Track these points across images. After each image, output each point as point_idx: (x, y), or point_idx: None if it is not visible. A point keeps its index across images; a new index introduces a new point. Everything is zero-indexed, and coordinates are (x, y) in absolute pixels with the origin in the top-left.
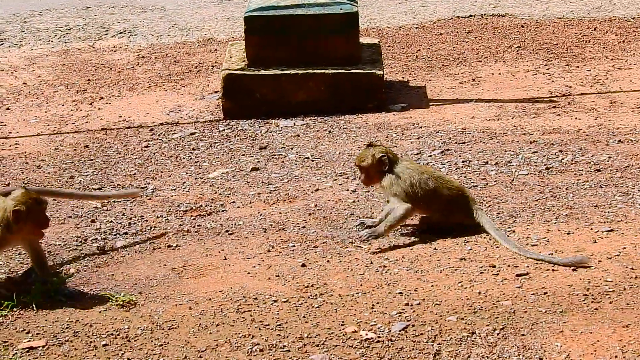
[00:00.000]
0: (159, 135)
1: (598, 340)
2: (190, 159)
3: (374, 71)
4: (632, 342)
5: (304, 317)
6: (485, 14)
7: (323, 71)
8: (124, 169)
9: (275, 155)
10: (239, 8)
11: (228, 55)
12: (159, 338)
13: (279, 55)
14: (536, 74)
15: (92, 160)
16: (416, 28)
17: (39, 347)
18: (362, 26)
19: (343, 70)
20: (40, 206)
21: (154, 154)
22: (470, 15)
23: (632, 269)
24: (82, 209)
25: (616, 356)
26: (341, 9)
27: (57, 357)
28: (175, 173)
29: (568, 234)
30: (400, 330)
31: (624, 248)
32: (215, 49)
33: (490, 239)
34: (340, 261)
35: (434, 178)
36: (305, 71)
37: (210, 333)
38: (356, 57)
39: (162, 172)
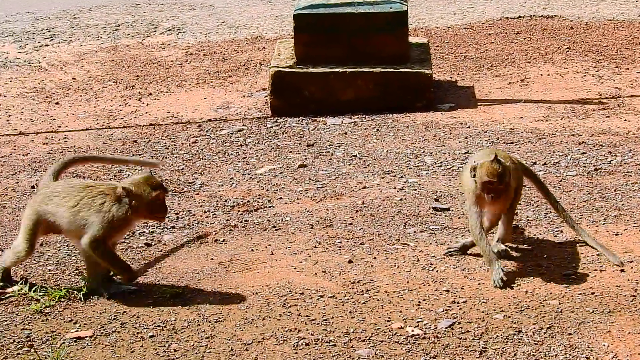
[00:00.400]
0: (206, 131)
1: None
2: (238, 155)
3: (422, 70)
4: None
5: (350, 312)
6: (534, 15)
7: (372, 70)
8: (172, 164)
9: (322, 152)
10: (287, 6)
11: (277, 52)
12: (205, 330)
13: (328, 53)
14: (585, 76)
15: (140, 155)
16: (465, 28)
17: (87, 337)
18: (411, 26)
19: (392, 69)
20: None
21: (202, 149)
22: (520, 16)
23: None
24: None
25: None
26: (391, 8)
27: (104, 348)
28: (222, 169)
29: (616, 234)
30: (446, 327)
31: None
32: (264, 47)
33: (538, 239)
34: (387, 258)
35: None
36: (353, 69)
37: (257, 326)
38: (405, 56)
39: (209, 167)
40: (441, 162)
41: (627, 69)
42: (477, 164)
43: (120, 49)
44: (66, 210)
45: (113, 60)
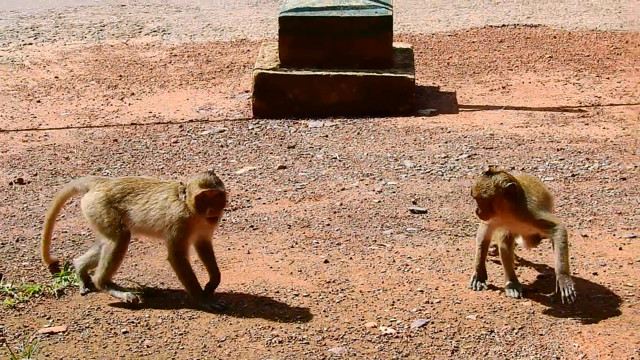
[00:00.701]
0: (188, 131)
1: (615, 342)
2: (218, 155)
3: (405, 75)
4: None
5: (324, 311)
6: (518, 24)
7: (355, 73)
8: (152, 163)
9: (303, 154)
10: (273, 10)
11: (261, 55)
12: (179, 327)
13: (312, 56)
14: (566, 84)
15: (120, 153)
16: (449, 36)
17: (59, 332)
18: (396, 32)
19: (375, 74)
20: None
21: (183, 149)
22: (504, 25)
23: None
24: None
25: (633, 357)
26: (376, 12)
27: (77, 343)
28: (203, 168)
29: (590, 239)
30: (419, 327)
31: None
32: (248, 50)
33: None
34: (363, 259)
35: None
36: (337, 73)
37: (230, 324)
38: (389, 61)
39: (189, 167)
40: (420, 166)
41: (608, 78)
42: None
43: (104, 49)
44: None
45: (97, 60)
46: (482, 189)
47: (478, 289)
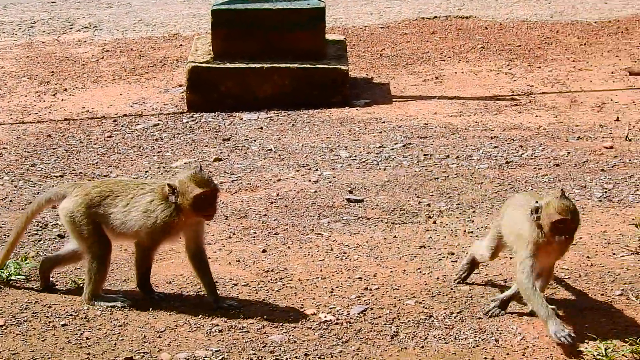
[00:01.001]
0: (122, 126)
1: None
2: (153, 149)
3: (338, 66)
4: (587, 326)
5: (263, 300)
6: (449, 16)
7: (288, 65)
8: (87, 158)
9: (238, 146)
10: (205, 5)
11: (194, 48)
12: (118, 319)
13: (245, 49)
14: (498, 74)
15: (54, 149)
16: (381, 28)
17: None
18: (328, 25)
19: (308, 65)
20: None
21: (117, 143)
22: (435, 17)
23: (587, 257)
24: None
25: None
26: (308, 4)
27: (16, 337)
28: (137, 162)
29: None
30: (358, 313)
31: (581, 238)
32: (181, 44)
33: (450, 229)
34: (301, 247)
35: None
36: (270, 65)
37: (170, 314)
38: (322, 53)
39: (124, 161)
40: (356, 156)
41: (539, 67)
42: (540, 204)
43: (35, 45)
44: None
45: (28, 56)
46: (577, 214)
47: (572, 335)
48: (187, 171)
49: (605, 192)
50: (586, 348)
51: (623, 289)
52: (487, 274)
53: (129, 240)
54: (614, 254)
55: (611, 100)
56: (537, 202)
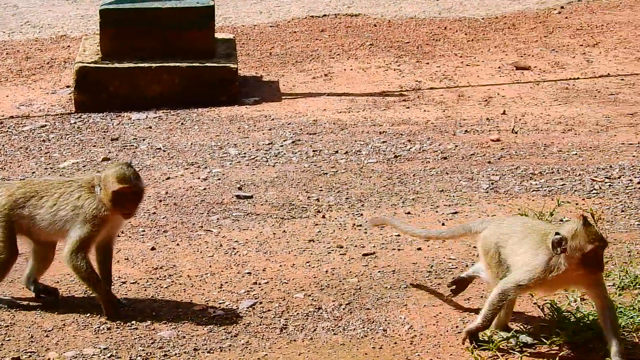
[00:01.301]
0: (8, 128)
1: (440, 313)
2: (40, 150)
3: (228, 65)
4: (472, 313)
5: (152, 297)
6: (338, 14)
7: (177, 64)
8: None
9: (126, 146)
10: (92, 6)
11: (82, 49)
12: (4, 319)
13: (134, 48)
14: (387, 70)
15: None
16: (271, 27)
17: None
18: (218, 24)
19: (197, 64)
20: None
21: (3, 145)
22: (325, 15)
23: (474, 247)
24: None
25: (457, 325)
26: (197, 3)
27: None
28: (24, 163)
29: (414, 216)
30: (247, 308)
31: None
32: (69, 46)
33: (339, 223)
34: (190, 244)
35: None
36: (159, 64)
37: (58, 314)
38: (211, 51)
39: (11, 162)
40: (245, 153)
41: (428, 63)
42: (564, 235)
43: None
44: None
45: None
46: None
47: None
48: (114, 166)
49: (492, 183)
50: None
51: None
52: (375, 266)
53: (56, 239)
54: None
55: (498, 94)
56: (557, 233)
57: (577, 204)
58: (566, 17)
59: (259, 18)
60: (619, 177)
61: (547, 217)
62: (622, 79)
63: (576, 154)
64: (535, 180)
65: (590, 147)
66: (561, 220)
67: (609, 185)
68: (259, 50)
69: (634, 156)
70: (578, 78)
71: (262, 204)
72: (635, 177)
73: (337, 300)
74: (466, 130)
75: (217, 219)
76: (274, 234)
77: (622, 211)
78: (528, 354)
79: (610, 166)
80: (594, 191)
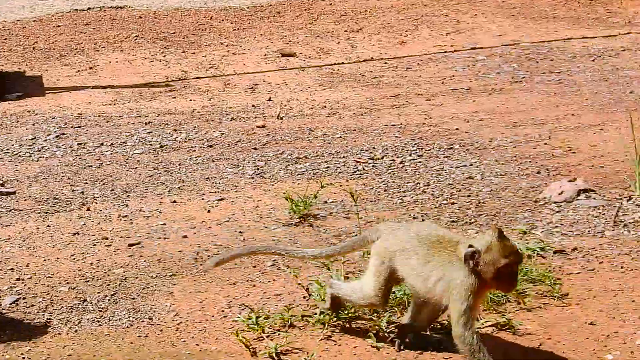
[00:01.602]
0: None
1: (207, 298)
2: None
3: None
4: (238, 297)
5: None
6: (103, 7)
7: None
8: None
9: None
10: None
11: None
12: None
13: None
14: (153, 61)
15: None
16: (34, 21)
17: None
18: None
19: None
20: None
21: None
22: (89, 8)
23: (240, 232)
24: None
25: (223, 310)
26: None
27: None
28: None
29: (179, 204)
30: (11, 304)
31: (233, 214)
32: None
33: (104, 214)
34: None
35: None
36: None
37: None
38: None
39: None
40: (7, 149)
41: (194, 53)
42: (477, 248)
43: None
44: None
45: None
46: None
47: None
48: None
49: (258, 169)
50: (239, 317)
51: (275, 260)
52: (141, 256)
53: None
54: (266, 227)
55: (264, 81)
56: (471, 246)
57: (341, 185)
58: (331, 4)
59: (21, 13)
60: (382, 158)
61: (312, 199)
62: (386, 63)
63: (340, 136)
64: (300, 164)
65: (355, 130)
66: (328, 202)
67: (372, 166)
68: (21, 46)
69: (396, 137)
70: (343, 63)
71: (25, 199)
72: (397, 157)
73: (103, 291)
74: (232, 118)
75: None
76: (38, 228)
77: (385, 190)
78: (294, 334)
79: (374, 147)
80: (357, 172)
